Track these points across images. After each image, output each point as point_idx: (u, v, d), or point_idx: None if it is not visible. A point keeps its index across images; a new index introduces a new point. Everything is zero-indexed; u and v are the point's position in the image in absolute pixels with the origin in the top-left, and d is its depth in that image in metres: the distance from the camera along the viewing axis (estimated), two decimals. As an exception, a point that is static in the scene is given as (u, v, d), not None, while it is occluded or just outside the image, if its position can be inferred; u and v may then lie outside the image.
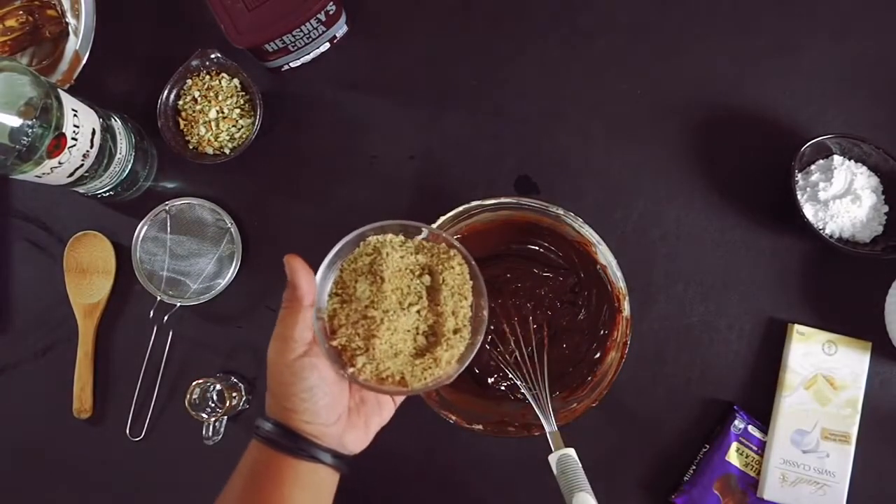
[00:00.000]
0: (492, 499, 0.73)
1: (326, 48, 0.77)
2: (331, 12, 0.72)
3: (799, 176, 0.73)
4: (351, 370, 0.51)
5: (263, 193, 0.77)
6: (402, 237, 0.54)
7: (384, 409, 0.55)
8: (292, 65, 0.77)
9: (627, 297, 0.66)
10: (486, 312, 0.54)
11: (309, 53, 0.76)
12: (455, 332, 0.53)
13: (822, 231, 0.71)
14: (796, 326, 0.72)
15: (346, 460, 0.51)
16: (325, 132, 0.77)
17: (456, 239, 0.54)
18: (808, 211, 0.71)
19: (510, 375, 0.68)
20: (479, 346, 0.53)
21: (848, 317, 0.73)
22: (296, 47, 0.74)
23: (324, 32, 0.74)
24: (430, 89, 0.77)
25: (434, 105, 0.77)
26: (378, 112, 0.77)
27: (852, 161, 0.72)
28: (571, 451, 0.58)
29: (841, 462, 0.70)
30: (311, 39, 0.74)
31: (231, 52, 0.73)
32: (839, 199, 0.70)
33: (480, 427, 0.66)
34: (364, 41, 0.78)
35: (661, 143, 0.76)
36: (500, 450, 0.73)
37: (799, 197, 0.71)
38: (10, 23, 0.75)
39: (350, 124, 0.77)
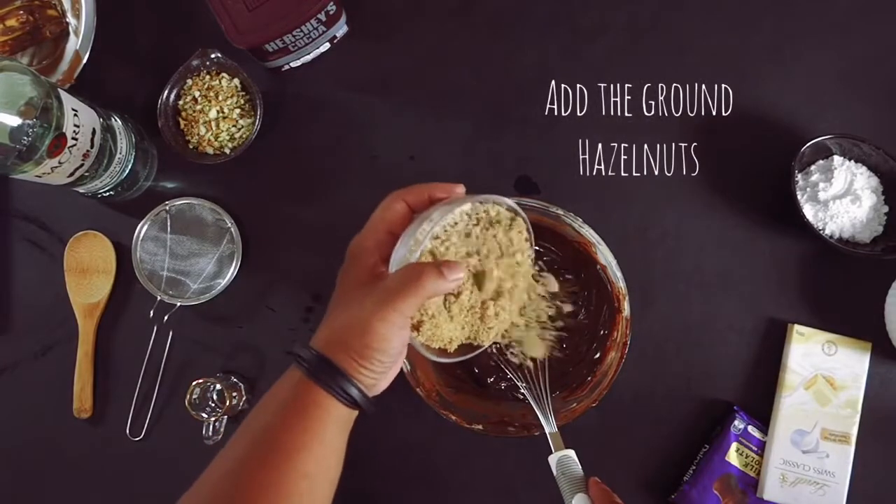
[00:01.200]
0: (492, 499, 0.73)
1: (326, 48, 0.77)
2: (331, 12, 0.72)
3: (799, 176, 0.73)
4: (414, 334, 0.50)
5: (263, 193, 0.77)
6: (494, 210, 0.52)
7: (403, 354, 0.54)
8: (292, 65, 0.77)
9: (627, 297, 0.66)
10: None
11: (309, 53, 0.76)
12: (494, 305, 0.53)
13: (822, 231, 0.71)
14: (796, 327, 0.72)
15: (374, 401, 0.51)
16: (325, 132, 0.77)
17: None
18: (808, 211, 0.71)
19: (510, 376, 0.68)
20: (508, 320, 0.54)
21: (848, 317, 0.73)
22: (296, 47, 0.74)
23: (324, 32, 0.74)
24: (430, 89, 0.77)
25: (434, 105, 0.77)
26: (378, 112, 0.77)
27: (852, 161, 0.72)
28: (571, 453, 0.58)
29: (841, 462, 0.70)
30: (311, 39, 0.74)
31: (231, 52, 0.73)
32: (839, 200, 0.70)
33: (480, 427, 0.66)
34: (364, 41, 0.78)
35: (661, 143, 0.76)
36: (500, 450, 0.73)
37: (799, 197, 0.71)
38: (11, 22, 0.75)
39: (350, 124, 0.77)
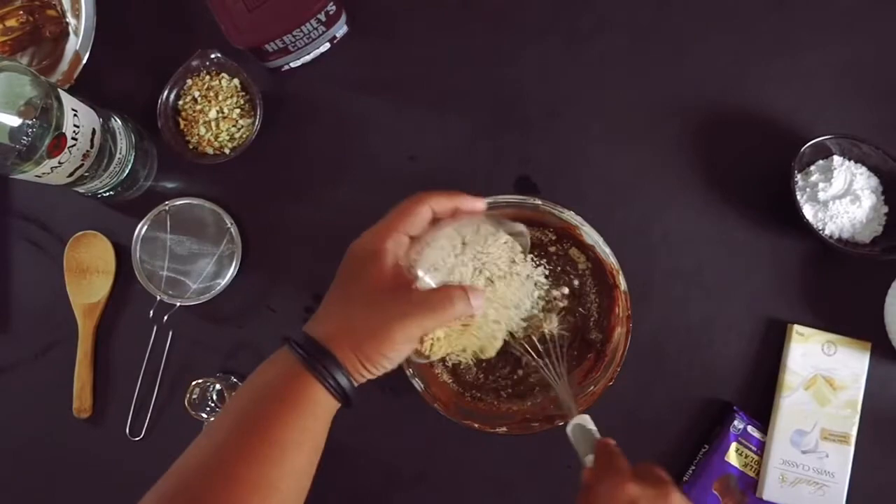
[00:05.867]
0: (492, 499, 0.73)
1: (326, 48, 0.77)
2: (331, 12, 0.72)
3: (799, 176, 0.73)
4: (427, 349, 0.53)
5: (263, 193, 0.77)
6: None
7: None
8: (292, 65, 0.77)
9: (622, 273, 0.66)
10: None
11: (309, 53, 0.76)
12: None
13: (821, 231, 0.71)
14: (796, 327, 0.72)
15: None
16: (325, 132, 0.77)
17: None
18: (808, 211, 0.71)
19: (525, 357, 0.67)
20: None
21: (848, 317, 0.73)
22: (296, 47, 0.74)
23: (324, 32, 0.74)
24: (430, 89, 0.77)
25: (434, 105, 0.77)
26: (378, 112, 0.77)
27: (852, 161, 0.72)
28: (586, 418, 0.58)
29: (840, 462, 0.70)
30: (311, 39, 0.74)
31: (231, 52, 0.73)
32: (839, 200, 0.70)
33: (504, 429, 0.66)
34: (364, 41, 0.78)
35: (662, 143, 0.76)
36: (500, 450, 0.73)
37: (799, 197, 0.71)
38: (11, 23, 0.75)
39: (350, 124, 0.77)
